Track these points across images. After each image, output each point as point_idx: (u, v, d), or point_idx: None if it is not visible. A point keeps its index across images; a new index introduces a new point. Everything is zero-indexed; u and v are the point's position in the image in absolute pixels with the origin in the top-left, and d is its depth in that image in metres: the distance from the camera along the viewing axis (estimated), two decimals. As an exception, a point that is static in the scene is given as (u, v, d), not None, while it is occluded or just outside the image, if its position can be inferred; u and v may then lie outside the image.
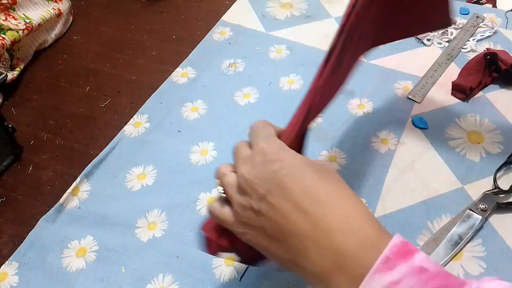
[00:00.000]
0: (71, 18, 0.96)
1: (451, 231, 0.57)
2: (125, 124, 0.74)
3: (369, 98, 0.75)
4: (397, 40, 0.65)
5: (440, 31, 0.84)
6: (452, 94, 0.74)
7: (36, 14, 0.86)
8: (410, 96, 0.74)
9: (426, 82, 0.76)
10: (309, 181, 0.32)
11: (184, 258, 0.57)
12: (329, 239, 0.29)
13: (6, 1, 0.81)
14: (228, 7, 0.95)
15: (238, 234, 0.35)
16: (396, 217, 0.60)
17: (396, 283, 0.26)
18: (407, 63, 0.80)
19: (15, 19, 0.82)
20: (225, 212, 0.36)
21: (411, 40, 0.84)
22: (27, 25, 0.83)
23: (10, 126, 0.68)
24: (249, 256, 0.40)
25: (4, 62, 0.80)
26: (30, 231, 0.61)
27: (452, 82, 0.74)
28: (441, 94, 0.74)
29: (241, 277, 0.54)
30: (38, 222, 0.61)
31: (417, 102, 0.73)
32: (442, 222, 0.59)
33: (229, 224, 0.36)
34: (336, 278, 0.29)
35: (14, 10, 0.83)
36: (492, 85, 0.75)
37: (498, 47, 0.81)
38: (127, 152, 0.70)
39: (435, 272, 0.28)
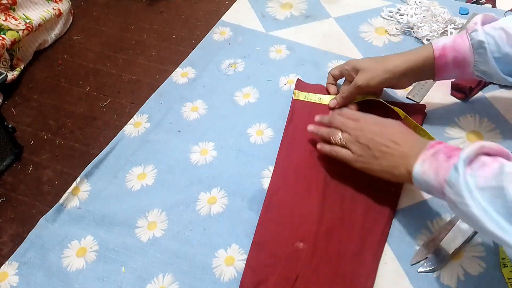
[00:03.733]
0: (71, 18, 0.96)
1: (451, 230, 0.57)
2: (125, 124, 0.74)
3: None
4: None
5: (440, 31, 0.84)
6: (451, 94, 0.74)
7: (36, 14, 0.86)
8: (409, 96, 0.74)
9: (426, 82, 0.76)
10: (395, 129, 0.59)
11: (184, 258, 0.57)
12: (406, 158, 0.55)
13: (6, 1, 0.81)
14: (228, 7, 0.95)
15: (355, 162, 0.60)
16: (396, 217, 0.60)
17: (434, 152, 0.52)
18: (406, 63, 0.80)
19: (15, 19, 0.82)
20: (346, 152, 0.61)
21: (410, 40, 0.84)
22: (27, 25, 0.83)
23: (10, 126, 0.68)
24: None
25: (4, 62, 0.80)
26: (30, 231, 0.61)
27: (452, 82, 0.74)
28: (441, 94, 0.75)
29: None
30: (38, 222, 0.61)
31: (416, 102, 0.73)
32: (441, 222, 0.59)
33: (350, 159, 0.60)
34: (410, 163, 0.54)
35: (14, 10, 0.83)
36: (491, 85, 0.75)
37: (498, 47, 0.81)
38: (127, 152, 0.70)
39: (455, 147, 0.52)
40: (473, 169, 0.47)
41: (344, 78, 0.72)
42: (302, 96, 0.74)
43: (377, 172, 0.58)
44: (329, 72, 0.75)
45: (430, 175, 0.51)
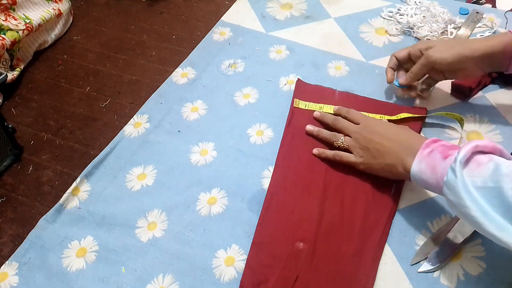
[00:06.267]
0: (71, 18, 0.96)
1: (451, 231, 0.57)
2: (125, 124, 0.74)
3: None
4: None
5: (440, 31, 0.84)
6: (451, 94, 0.74)
7: (36, 14, 0.86)
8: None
9: None
10: (391, 129, 0.62)
11: (184, 258, 0.57)
12: (403, 156, 0.57)
13: (6, 1, 0.81)
14: (228, 7, 0.95)
15: (359, 164, 0.62)
16: (396, 217, 0.60)
17: (430, 151, 0.53)
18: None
19: (15, 19, 0.82)
20: (349, 155, 0.63)
21: (410, 40, 0.84)
22: (27, 25, 0.83)
23: (10, 126, 0.68)
24: None
25: (4, 62, 0.80)
26: (30, 231, 0.61)
27: (452, 82, 0.74)
28: (441, 94, 0.75)
29: None
30: (38, 222, 0.61)
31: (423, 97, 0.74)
32: (441, 222, 0.59)
33: (353, 161, 0.62)
34: (407, 162, 0.56)
35: (14, 10, 0.83)
36: (491, 85, 0.75)
37: (498, 47, 0.81)
38: (127, 152, 0.70)
39: (449, 145, 0.53)
40: (469, 168, 0.48)
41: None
42: (303, 105, 0.73)
43: (378, 171, 0.60)
44: (393, 55, 0.71)
45: (427, 174, 0.53)
